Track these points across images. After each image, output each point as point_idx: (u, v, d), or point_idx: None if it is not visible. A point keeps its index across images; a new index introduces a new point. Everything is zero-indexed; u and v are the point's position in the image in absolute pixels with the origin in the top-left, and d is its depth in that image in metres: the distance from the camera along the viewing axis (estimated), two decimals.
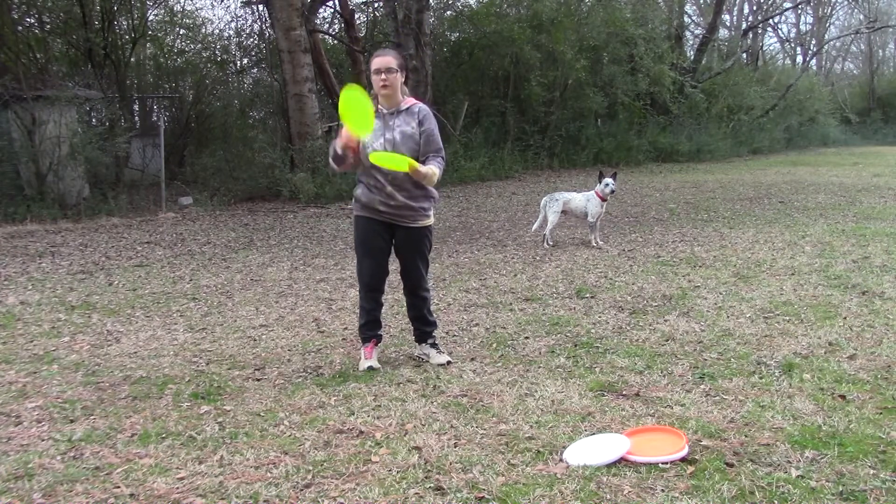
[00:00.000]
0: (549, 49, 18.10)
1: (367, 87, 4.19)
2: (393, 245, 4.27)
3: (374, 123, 4.08)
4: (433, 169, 4.04)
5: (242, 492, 2.80)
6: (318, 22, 17.26)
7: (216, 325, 5.42)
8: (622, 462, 2.94)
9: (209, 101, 19.27)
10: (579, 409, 3.51)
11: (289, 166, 13.87)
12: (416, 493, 2.75)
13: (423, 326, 4.40)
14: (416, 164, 3.96)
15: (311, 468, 2.98)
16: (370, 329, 4.34)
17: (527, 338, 4.78)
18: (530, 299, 5.85)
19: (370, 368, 4.21)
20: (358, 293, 4.43)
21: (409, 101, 4.17)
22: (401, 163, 3.91)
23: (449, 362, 4.27)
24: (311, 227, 10.59)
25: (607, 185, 8.11)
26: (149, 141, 15.94)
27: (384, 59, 4.07)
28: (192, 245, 9.27)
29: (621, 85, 20.12)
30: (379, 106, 4.12)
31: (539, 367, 4.17)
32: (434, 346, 4.39)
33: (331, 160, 4.14)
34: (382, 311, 4.46)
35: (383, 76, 4.02)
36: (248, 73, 20.77)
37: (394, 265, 4.32)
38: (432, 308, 4.54)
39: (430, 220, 4.29)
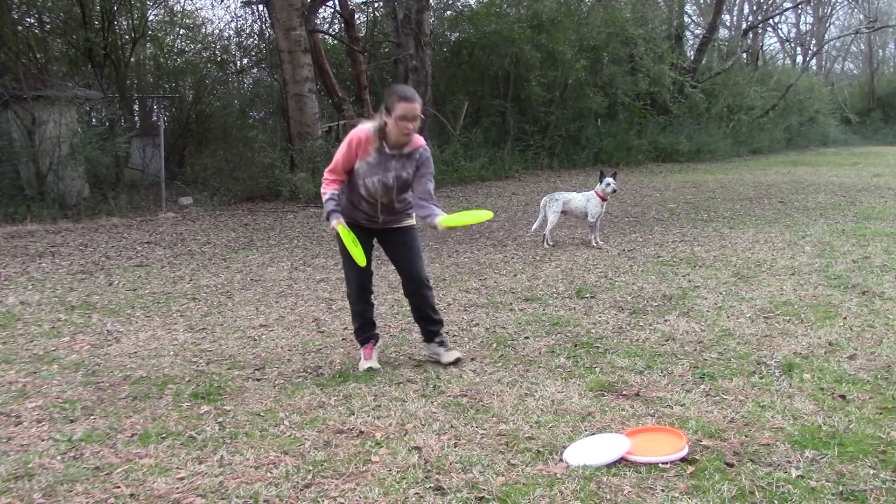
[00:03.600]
0: (549, 49, 18.10)
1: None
2: (384, 249, 4.27)
3: (373, 157, 3.98)
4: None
5: (242, 492, 2.80)
6: (318, 22, 17.24)
7: (216, 325, 5.42)
8: (622, 462, 2.94)
9: (209, 101, 19.26)
10: (579, 409, 3.51)
11: (289, 166, 13.88)
12: (416, 493, 2.75)
13: (428, 326, 4.34)
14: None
15: (311, 468, 2.98)
16: (366, 331, 4.34)
17: (527, 338, 4.78)
18: (530, 299, 5.84)
19: (370, 369, 4.20)
20: (347, 297, 4.38)
21: (415, 142, 4.01)
22: (472, 218, 3.99)
23: (459, 359, 4.22)
24: (311, 227, 10.59)
25: (608, 184, 8.10)
26: (149, 141, 15.94)
27: (412, 108, 3.84)
28: (192, 245, 9.27)
29: (621, 85, 20.13)
30: (384, 143, 3.97)
31: (539, 367, 4.17)
32: (442, 343, 4.33)
33: (324, 200, 4.08)
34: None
35: (409, 125, 3.86)
36: (248, 73, 20.77)
37: (391, 268, 4.32)
38: (436, 305, 4.46)
39: (413, 221, 4.27)
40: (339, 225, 3.98)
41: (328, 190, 4.05)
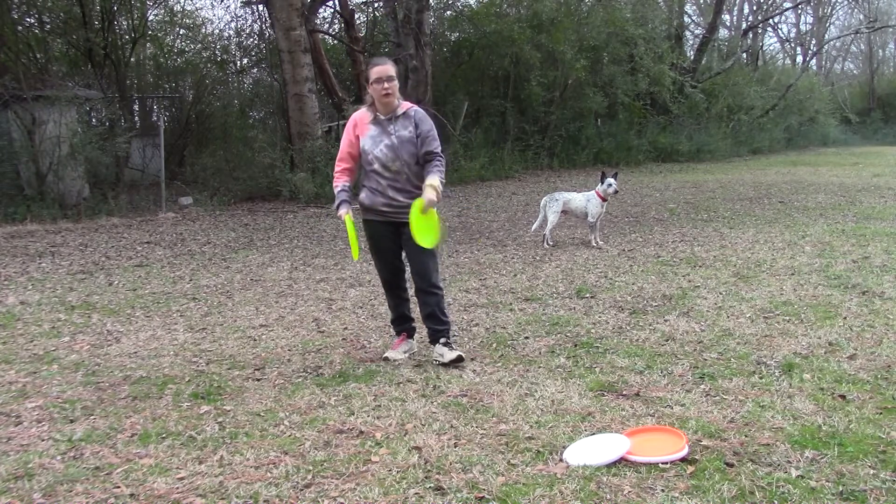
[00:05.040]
0: (549, 49, 18.10)
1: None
2: (403, 244, 4.30)
3: (373, 130, 4.21)
4: (437, 181, 4.11)
5: (242, 492, 2.81)
6: (318, 22, 17.25)
7: (216, 325, 5.42)
8: (622, 462, 2.94)
9: (209, 101, 19.27)
10: (579, 409, 3.51)
11: (289, 166, 13.88)
12: (416, 493, 2.76)
13: (434, 325, 4.33)
14: (434, 187, 4.05)
15: (311, 468, 2.98)
16: (398, 324, 4.53)
17: (527, 338, 4.78)
18: (530, 299, 5.84)
19: (385, 359, 4.35)
20: (382, 293, 4.62)
21: (405, 104, 4.27)
22: (429, 223, 4.07)
23: (461, 357, 4.20)
24: (311, 227, 10.59)
25: (610, 185, 8.10)
26: (149, 141, 15.94)
27: (384, 69, 4.15)
28: (192, 245, 9.27)
29: (621, 85, 20.12)
30: (377, 113, 4.22)
31: (539, 367, 4.17)
32: (447, 344, 4.31)
33: (336, 192, 4.30)
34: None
35: (385, 85, 4.12)
36: (248, 73, 20.78)
37: None
38: (446, 308, 4.43)
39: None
40: (346, 216, 4.20)
41: (339, 182, 4.30)
